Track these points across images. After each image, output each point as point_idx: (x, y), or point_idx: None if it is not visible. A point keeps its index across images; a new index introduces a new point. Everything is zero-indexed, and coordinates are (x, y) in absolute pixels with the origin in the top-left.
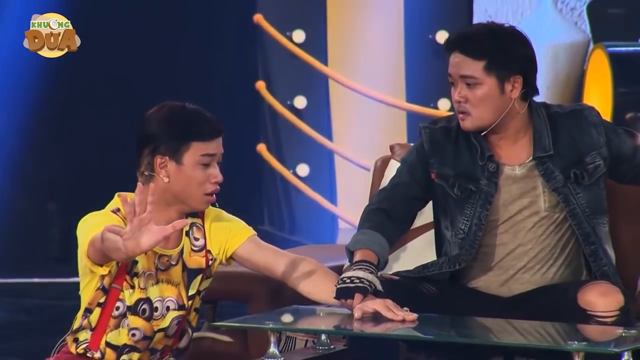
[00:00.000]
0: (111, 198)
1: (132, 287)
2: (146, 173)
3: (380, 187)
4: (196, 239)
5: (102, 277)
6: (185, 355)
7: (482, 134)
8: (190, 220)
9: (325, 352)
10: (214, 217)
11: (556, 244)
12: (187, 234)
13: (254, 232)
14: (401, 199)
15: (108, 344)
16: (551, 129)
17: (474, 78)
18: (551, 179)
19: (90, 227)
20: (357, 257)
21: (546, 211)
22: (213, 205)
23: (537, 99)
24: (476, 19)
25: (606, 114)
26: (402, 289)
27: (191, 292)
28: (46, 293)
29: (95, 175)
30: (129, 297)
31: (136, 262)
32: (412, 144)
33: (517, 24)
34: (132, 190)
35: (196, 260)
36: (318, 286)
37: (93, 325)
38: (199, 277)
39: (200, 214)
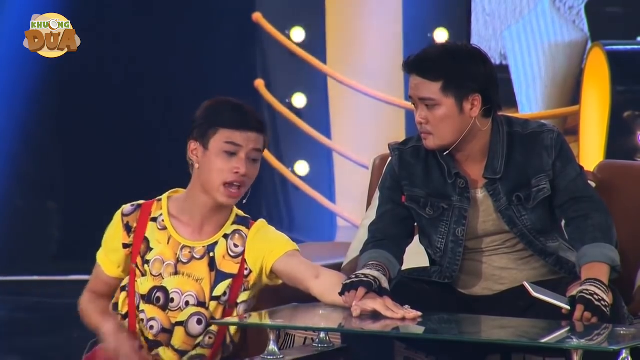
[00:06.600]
0: (110, 197)
1: (144, 274)
2: (189, 162)
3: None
4: (235, 246)
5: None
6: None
7: (445, 153)
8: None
9: (324, 350)
10: (260, 230)
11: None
12: (226, 237)
13: (295, 247)
14: (393, 224)
15: (141, 334)
16: (507, 149)
17: (432, 100)
18: (497, 201)
19: (101, 253)
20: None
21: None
22: (240, 202)
23: (535, 99)
24: (474, 18)
25: (604, 113)
26: (398, 288)
27: (216, 293)
28: (45, 291)
29: (94, 175)
30: (141, 285)
31: (151, 249)
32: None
33: (516, 22)
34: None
35: (229, 265)
36: None
37: (124, 312)
38: (228, 282)
39: (248, 225)
